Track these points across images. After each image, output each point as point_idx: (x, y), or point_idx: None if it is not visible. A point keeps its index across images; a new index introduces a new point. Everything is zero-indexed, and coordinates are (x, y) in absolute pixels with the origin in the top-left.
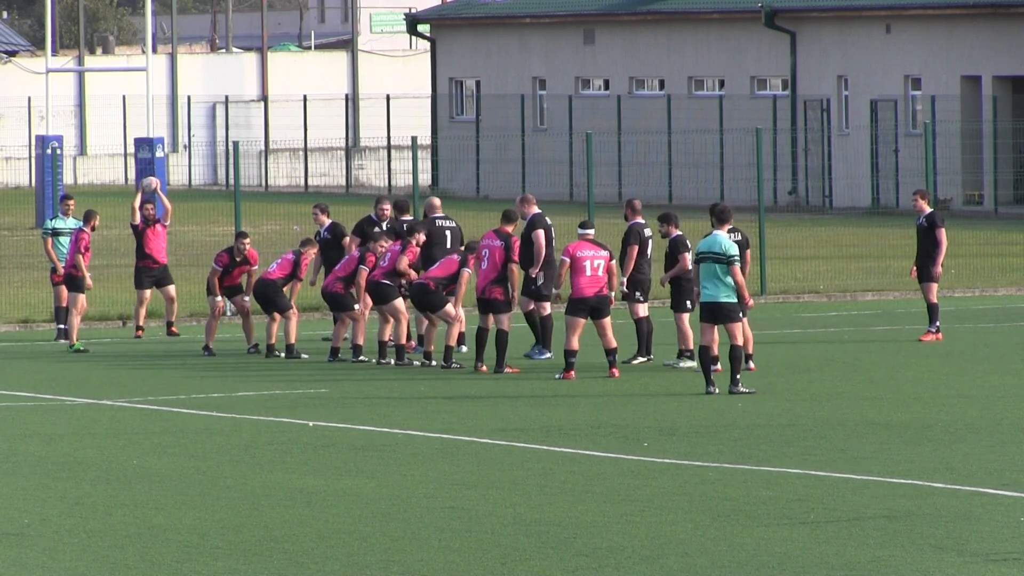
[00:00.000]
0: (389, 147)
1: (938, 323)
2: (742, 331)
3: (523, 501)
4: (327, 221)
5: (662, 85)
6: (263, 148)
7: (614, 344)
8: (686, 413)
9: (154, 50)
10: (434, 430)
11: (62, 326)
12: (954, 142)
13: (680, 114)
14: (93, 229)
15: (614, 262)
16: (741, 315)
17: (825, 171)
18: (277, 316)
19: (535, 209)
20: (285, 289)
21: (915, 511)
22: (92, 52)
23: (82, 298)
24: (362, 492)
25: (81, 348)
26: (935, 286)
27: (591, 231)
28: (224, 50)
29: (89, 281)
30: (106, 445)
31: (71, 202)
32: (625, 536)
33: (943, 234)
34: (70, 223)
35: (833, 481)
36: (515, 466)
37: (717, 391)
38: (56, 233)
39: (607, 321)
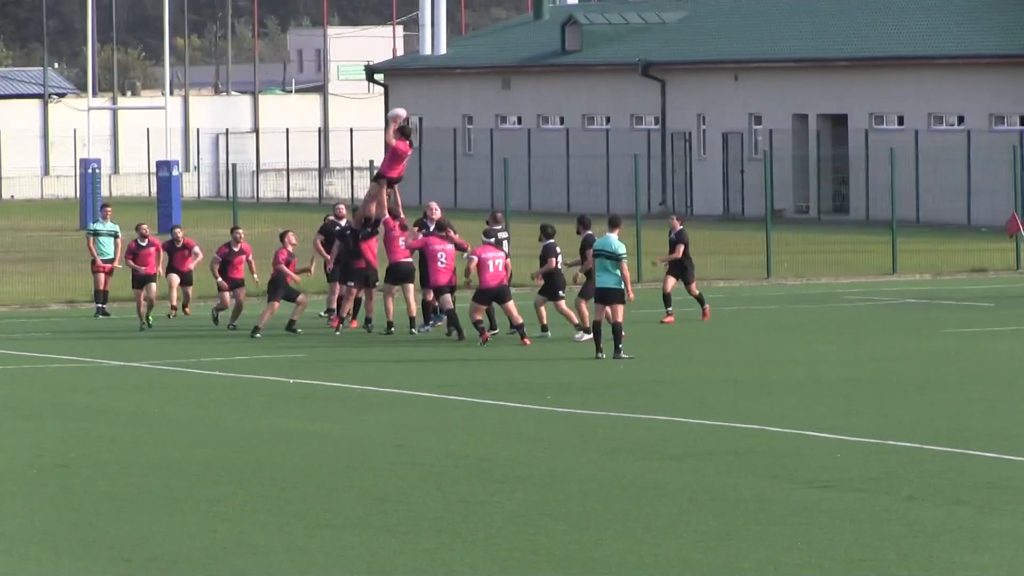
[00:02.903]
0: (352, 168)
1: (670, 308)
2: (622, 312)
3: (454, 440)
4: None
5: (562, 120)
6: (255, 169)
7: (520, 320)
8: (580, 373)
9: (171, 93)
10: (386, 386)
11: (99, 305)
12: (787, 165)
13: (576, 143)
14: (143, 237)
15: (509, 260)
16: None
17: (688, 187)
18: (372, 294)
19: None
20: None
21: (755, 448)
22: (123, 94)
23: (151, 288)
24: (331, 433)
25: (150, 323)
26: (672, 280)
27: (493, 239)
28: (225, 93)
29: (116, 265)
30: (134, 397)
31: (108, 208)
32: (533, 467)
33: (679, 249)
34: (108, 226)
35: (692, 426)
36: (448, 413)
37: (604, 356)
38: (96, 233)
39: (511, 304)
